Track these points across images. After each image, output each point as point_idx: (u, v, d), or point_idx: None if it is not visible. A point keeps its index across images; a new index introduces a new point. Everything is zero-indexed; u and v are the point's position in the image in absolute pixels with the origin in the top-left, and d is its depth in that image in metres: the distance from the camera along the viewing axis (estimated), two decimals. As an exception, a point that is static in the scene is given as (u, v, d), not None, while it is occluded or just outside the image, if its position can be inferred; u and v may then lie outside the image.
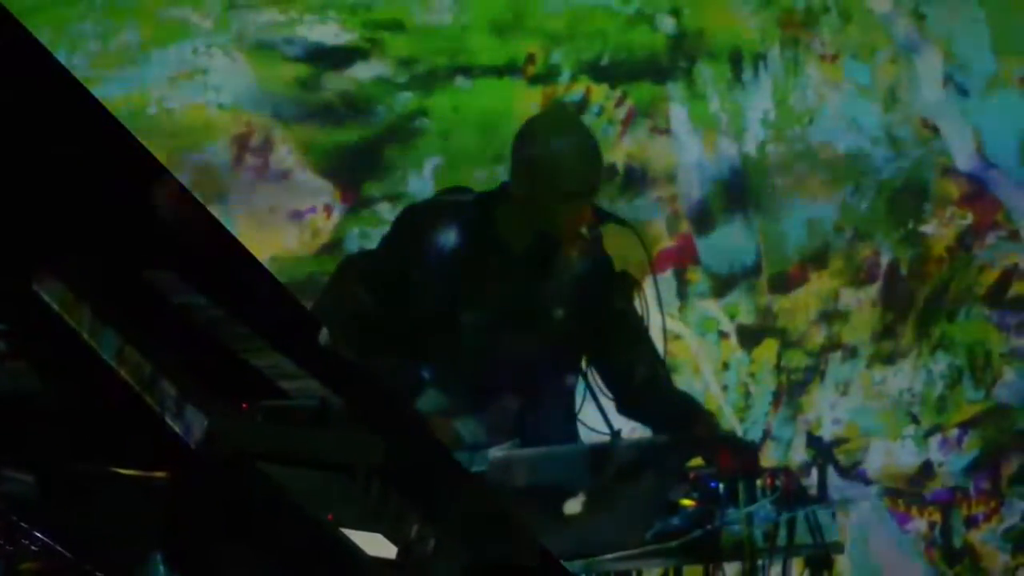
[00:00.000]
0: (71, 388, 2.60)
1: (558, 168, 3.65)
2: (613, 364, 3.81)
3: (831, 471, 5.18)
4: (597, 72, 5.06)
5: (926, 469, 5.42)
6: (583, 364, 3.83)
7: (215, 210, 4.72)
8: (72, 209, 2.55)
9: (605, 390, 3.81)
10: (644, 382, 3.78)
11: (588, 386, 3.82)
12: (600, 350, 3.82)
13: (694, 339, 5.19)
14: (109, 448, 2.53)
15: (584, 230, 3.74)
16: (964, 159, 5.41)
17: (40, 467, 2.49)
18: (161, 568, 2.42)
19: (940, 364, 5.42)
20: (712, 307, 5.22)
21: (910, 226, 5.39)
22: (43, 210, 2.50)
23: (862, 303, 5.35)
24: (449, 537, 2.55)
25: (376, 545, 2.60)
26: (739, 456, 3.48)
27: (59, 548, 2.44)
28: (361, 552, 2.58)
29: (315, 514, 2.55)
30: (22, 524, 2.48)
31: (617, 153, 5.08)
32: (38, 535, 2.44)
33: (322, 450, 2.59)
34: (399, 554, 2.56)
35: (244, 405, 2.56)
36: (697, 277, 5.20)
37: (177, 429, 2.55)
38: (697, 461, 3.57)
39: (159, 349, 2.60)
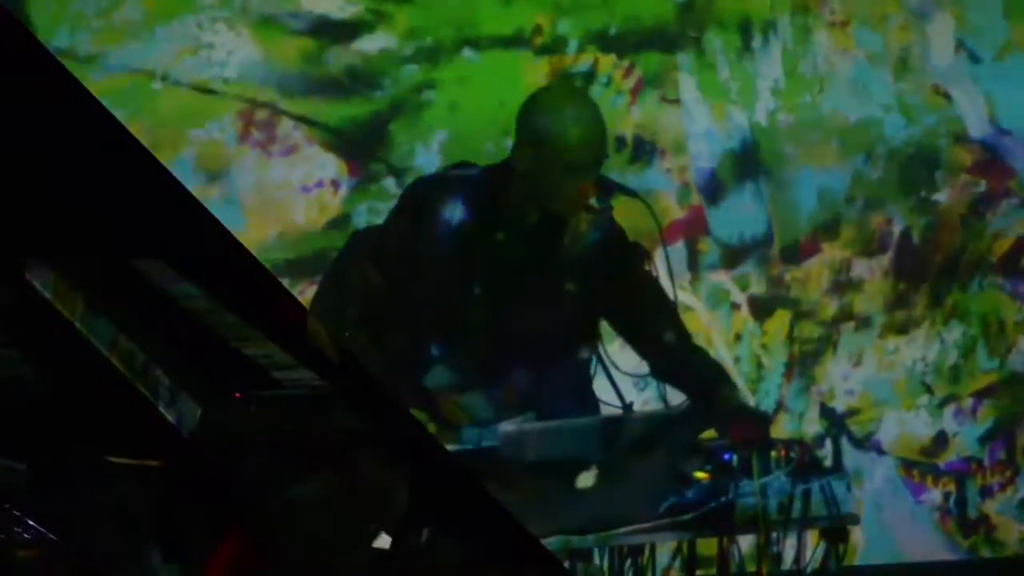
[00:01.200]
0: (64, 377, 2.60)
1: (562, 141, 3.63)
2: (642, 331, 3.79)
3: (845, 442, 5.16)
4: (605, 42, 5.03)
5: (940, 439, 5.40)
6: (597, 336, 3.81)
7: (221, 186, 4.71)
8: (65, 197, 2.55)
9: (618, 364, 3.80)
10: (674, 346, 3.77)
11: (600, 359, 3.81)
12: (625, 319, 3.80)
13: (705, 311, 5.16)
14: (102, 437, 2.53)
15: (593, 202, 3.72)
16: (977, 126, 5.37)
17: (33, 456, 2.49)
18: (154, 555, 2.42)
19: (954, 333, 5.40)
20: (723, 278, 5.20)
21: (922, 194, 5.35)
22: (35, 199, 2.49)
23: (874, 273, 5.32)
24: (443, 527, 2.55)
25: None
26: (750, 427, 3.47)
27: (52, 536, 2.44)
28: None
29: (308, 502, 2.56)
30: (15, 512, 2.47)
31: (626, 124, 5.05)
32: (31, 523, 2.43)
33: (315, 439, 2.61)
34: (393, 544, 2.57)
35: (237, 395, 2.57)
36: (708, 248, 5.17)
37: (170, 418, 2.55)
38: (710, 433, 3.56)
39: (152, 338, 2.60)
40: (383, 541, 2.53)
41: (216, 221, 2.38)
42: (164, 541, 2.45)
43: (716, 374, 3.80)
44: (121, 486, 2.50)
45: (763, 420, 3.73)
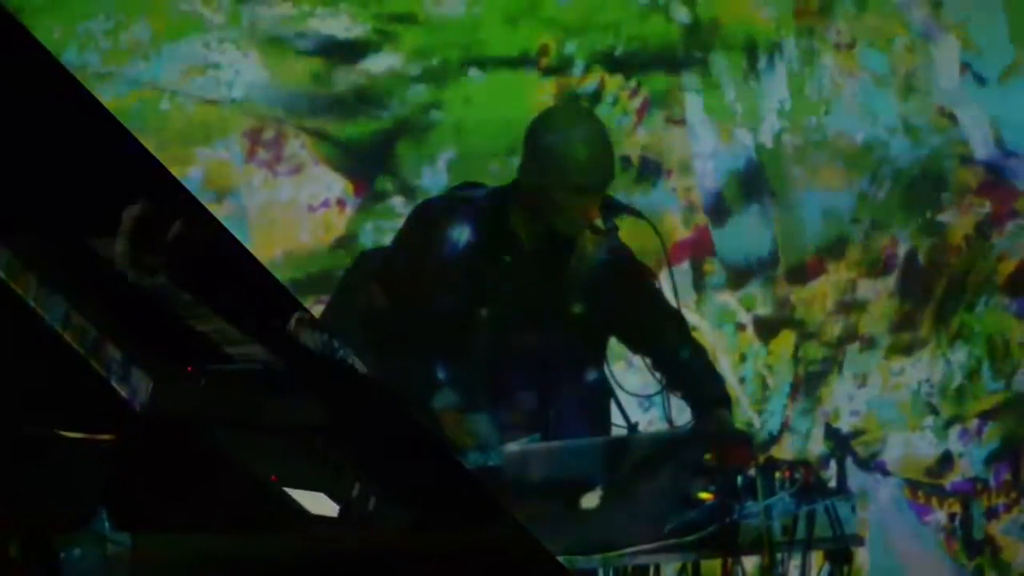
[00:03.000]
0: (17, 354, 2.63)
1: (569, 162, 3.64)
2: (656, 348, 3.79)
3: (850, 463, 5.16)
4: (611, 63, 5.04)
5: (946, 460, 5.39)
6: (603, 357, 3.82)
7: (228, 205, 4.72)
8: (16, 176, 2.58)
9: (623, 384, 3.80)
10: (688, 360, 3.78)
11: (606, 379, 3.81)
12: (636, 338, 3.81)
13: (711, 331, 5.17)
14: (55, 411, 2.57)
15: (599, 222, 3.72)
16: (982, 148, 5.38)
17: None
18: (106, 525, 2.46)
19: (959, 354, 5.40)
20: (729, 299, 5.20)
21: (928, 216, 5.36)
22: (14, 175, 2.53)
23: (880, 294, 5.33)
24: (390, 495, 2.59)
25: (318, 504, 2.64)
26: (731, 449, 3.46)
27: (2, 505, 2.47)
28: (304, 510, 2.62)
29: (259, 474, 2.60)
30: None
31: (632, 144, 5.06)
32: None
33: (265, 413, 2.65)
34: (341, 511, 2.61)
35: (189, 369, 2.61)
36: (713, 269, 5.18)
37: (123, 393, 2.59)
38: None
39: (104, 314, 2.64)
40: (330, 509, 2.57)
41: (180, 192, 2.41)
42: (115, 510, 2.49)
43: (720, 395, 3.80)
44: (73, 458, 2.54)
45: (742, 440, 3.70)
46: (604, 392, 3.81)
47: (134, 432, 2.57)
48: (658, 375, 3.78)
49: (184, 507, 2.56)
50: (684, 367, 3.78)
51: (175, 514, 2.55)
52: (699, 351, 3.84)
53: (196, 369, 2.62)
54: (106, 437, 2.55)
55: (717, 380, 3.87)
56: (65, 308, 2.66)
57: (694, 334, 3.98)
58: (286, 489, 2.64)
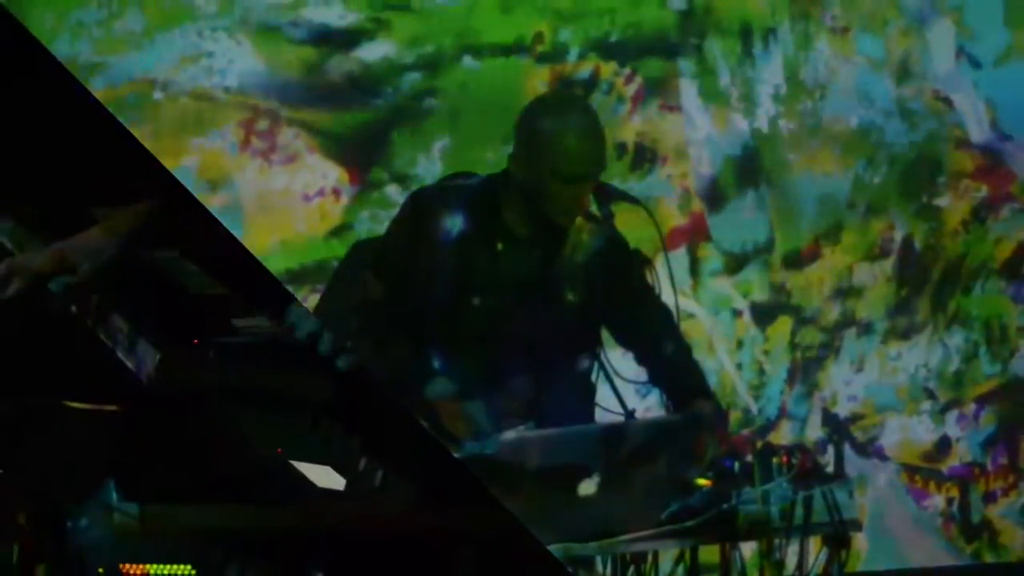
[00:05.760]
0: (24, 323, 2.64)
1: (559, 150, 3.63)
2: (640, 340, 3.79)
3: (847, 448, 5.16)
4: (606, 49, 5.03)
5: (943, 445, 5.39)
6: (598, 344, 3.81)
7: (223, 195, 4.71)
8: (22, 148, 2.59)
9: (620, 371, 3.80)
10: (670, 356, 3.77)
11: (602, 366, 3.81)
12: (625, 327, 3.80)
13: (708, 317, 5.16)
14: (62, 382, 2.58)
15: (594, 210, 3.72)
16: (978, 131, 5.37)
17: None
18: (114, 495, 2.47)
19: (956, 338, 5.40)
20: (725, 285, 5.20)
21: (924, 200, 5.35)
22: (11, 169, 2.54)
23: (876, 278, 5.32)
24: (396, 470, 2.60)
25: (325, 478, 2.65)
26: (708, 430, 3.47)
27: (10, 475, 2.49)
28: (311, 484, 2.62)
29: (265, 447, 2.61)
30: None
31: (627, 131, 5.06)
32: None
33: (271, 386, 2.66)
34: (347, 486, 2.62)
35: (195, 341, 2.62)
36: (709, 255, 5.17)
37: (129, 364, 2.60)
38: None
39: (111, 285, 2.65)
40: (336, 483, 2.58)
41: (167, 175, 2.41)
42: (123, 480, 2.50)
43: (701, 389, 3.78)
44: (80, 429, 2.55)
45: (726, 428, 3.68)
46: (600, 379, 3.80)
47: (141, 403, 2.58)
48: (643, 368, 3.79)
49: (191, 479, 2.57)
50: (666, 362, 3.77)
51: (182, 486, 2.56)
52: (683, 346, 3.83)
53: (202, 341, 2.63)
54: (112, 408, 2.56)
55: (698, 375, 3.85)
56: (72, 279, 2.68)
57: (691, 321, 3.98)
58: (292, 462, 2.64)
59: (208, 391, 2.60)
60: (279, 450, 2.63)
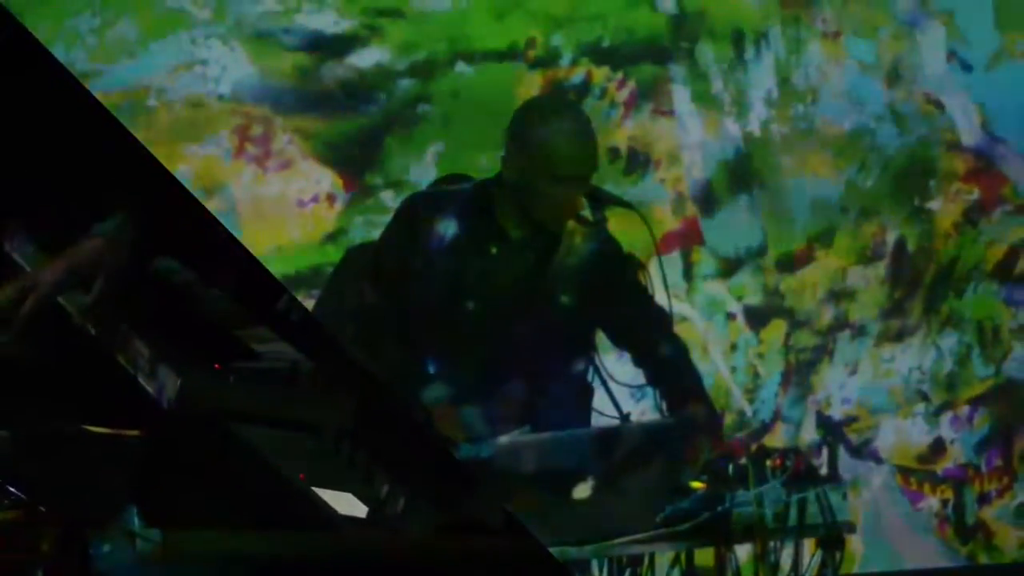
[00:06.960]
0: (45, 348, 2.64)
1: (551, 153, 3.63)
2: (636, 343, 3.79)
3: (841, 450, 5.17)
4: (598, 55, 5.04)
5: (937, 446, 5.40)
6: (593, 348, 3.82)
7: (217, 201, 4.72)
8: (42, 169, 2.59)
9: (614, 375, 3.80)
10: (668, 358, 3.78)
11: (597, 370, 3.81)
12: (620, 331, 3.81)
13: (701, 321, 5.17)
14: (83, 407, 2.57)
15: (587, 214, 3.72)
16: (969, 134, 5.39)
17: (14, 425, 2.53)
18: (136, 521, 2.47)
19: (949, 341, 5.41)
20: (719, 288, 5.21)
21: (916, 203, 5.37)
22: (11, 170, 2.53)
23: (869, 281, 5.33)
24: (418, 496, 2.60)
25: (347, 504, 2.64)
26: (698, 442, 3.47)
27: (33, 501, 2.48)
28: (333, 510, 2.61)
29: (287, 473, 2.60)
30: None
31: (620, 136, 5.06)
32: (11, 490, 2.47)
33: (293, 411, 2.65)
34: (369, 513, 2.61)
35: (216, 366, 2.61)
36: (703, 258, 5.18)
37: (150, 389, 2.59)
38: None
39: (132, 310, 2.64)
40: (358, 510, 2.58)
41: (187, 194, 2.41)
42: (144, 506, 2.50)
43: (697, 392, 3.78)
44: (101, 454, 2.55)
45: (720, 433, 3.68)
46: (595, 382, 3.81)
47: (162, 429, 2.57)
48: (640, 370, 3.79)
49: (213, 504, 2.56)
50: (663, 364, 3.78)
51: (204, 511, 2.56)
52: (679, 348, 3.83)
53: (224, 366, 2.62)
54: (133, 433, 2.56)
55: (695, 377, 3.86)
56: (86, 299, 2.67)
57: (684, 325, 3.98)
58: (314, 488, 2.64)
59: (229, 416, 2.60)
60: (302, 476, 2.62)
